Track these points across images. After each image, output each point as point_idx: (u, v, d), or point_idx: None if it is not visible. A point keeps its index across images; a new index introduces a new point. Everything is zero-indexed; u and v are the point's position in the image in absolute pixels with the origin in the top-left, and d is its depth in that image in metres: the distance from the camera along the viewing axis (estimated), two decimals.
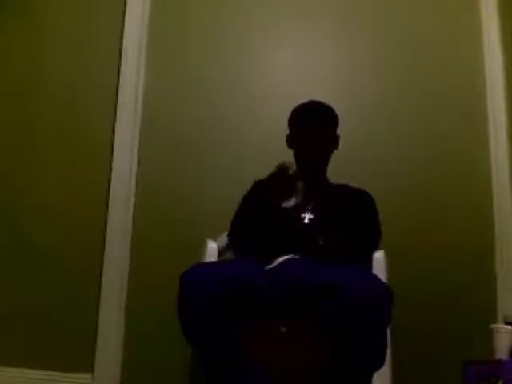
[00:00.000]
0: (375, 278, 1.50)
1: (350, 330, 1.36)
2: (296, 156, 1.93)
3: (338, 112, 1.95)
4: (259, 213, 1.76)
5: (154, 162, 2.42)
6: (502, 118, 2.51)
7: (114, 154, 2.40)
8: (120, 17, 2.52)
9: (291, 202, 1.70)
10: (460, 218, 2.41)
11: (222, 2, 2.60)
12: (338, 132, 1.96)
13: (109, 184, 2.38)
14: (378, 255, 1.81)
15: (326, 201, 1.81)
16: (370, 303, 1.36)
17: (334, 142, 1.96)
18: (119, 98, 2.45)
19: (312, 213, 1.77)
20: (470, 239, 2.39)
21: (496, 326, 1.98)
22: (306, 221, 1.76)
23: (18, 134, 2.47)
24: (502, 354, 1.88)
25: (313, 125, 1.88)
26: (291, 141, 1.96)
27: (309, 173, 1.86)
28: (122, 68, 2.47)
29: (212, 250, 1.83)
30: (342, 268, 1.50)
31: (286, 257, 1.63)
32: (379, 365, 1.46)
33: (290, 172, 1.68)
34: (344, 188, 1.93)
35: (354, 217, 1.78)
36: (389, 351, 1.56)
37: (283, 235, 1.72)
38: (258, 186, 1.87)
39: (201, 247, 1.83)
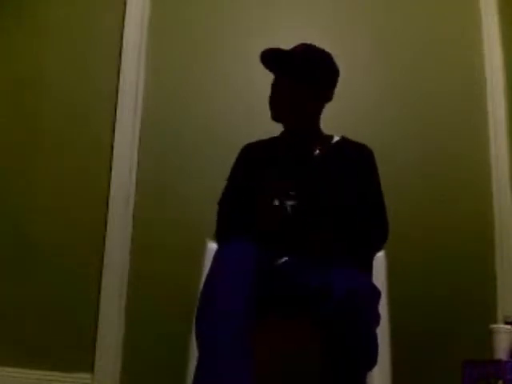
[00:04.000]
0: (361, 277, 1.43)
1: (338, 330, 1.31)
2: None
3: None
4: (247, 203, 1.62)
5: (153, 162, 2.43)
6: (502, 117, 2.51)
7: (114, 154, 2.41)
8: (120, 17, 2.51)
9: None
10: (460, 218, 2.41)
11: (222, 2, 2.60)
12: (318, 79, 1.69)
13: (109, 184, 2.38)
14: (379, 256, 1.80)
15: (315, 182, 1.59)
16: (353, 304, 1.31)
17: (310, 95, 1.64)
18: (119, 97, 2.45)
19: (298, 199, 1.55)
20: (470, 239, 2.39)
21: (496, 325, 1.98)
22: (290, 209, 1.54)
23: (18, 133, 2.47)
24: (502, 353, 1.88)
25: (275, 78, 1.58)
26: None
27: (293, 138, 1.67)
28: (122, 68, 2.47)
29: (212, 250, 1.83)
30: (330, 269, 1.42)
31: (282, 260, 1.59)
32: (371, 365, 1.39)
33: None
34: (339, 155, 1.68)
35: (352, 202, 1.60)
36: (389, 351, 1.56)
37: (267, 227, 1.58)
38: (249, 157, 1.78)
39: (201, 248, 1.83)
